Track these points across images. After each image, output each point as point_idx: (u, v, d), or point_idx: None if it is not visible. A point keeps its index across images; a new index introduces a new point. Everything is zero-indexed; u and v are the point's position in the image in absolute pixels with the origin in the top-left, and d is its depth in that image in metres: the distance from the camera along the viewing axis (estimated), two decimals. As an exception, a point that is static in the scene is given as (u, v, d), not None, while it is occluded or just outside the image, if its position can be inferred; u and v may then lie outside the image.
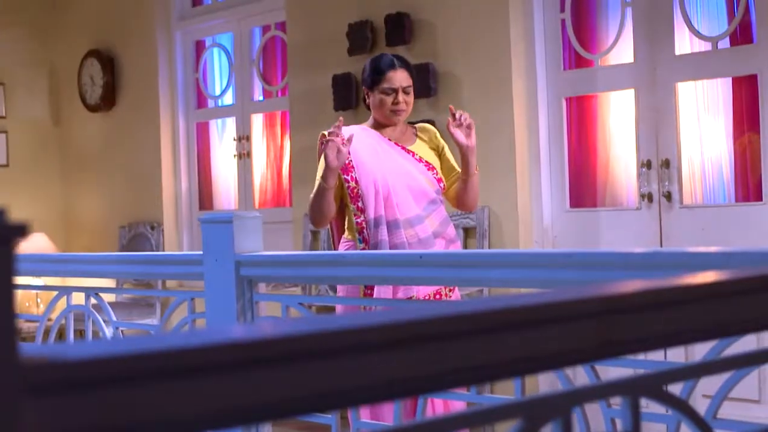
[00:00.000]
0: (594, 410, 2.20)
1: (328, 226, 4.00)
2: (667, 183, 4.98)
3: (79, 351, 0.66)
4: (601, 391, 1.02)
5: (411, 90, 3.80)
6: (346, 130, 3.70)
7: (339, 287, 3.77)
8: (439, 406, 3.50)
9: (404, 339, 0.82)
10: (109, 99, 7.80)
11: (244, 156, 7.17)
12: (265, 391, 0.74)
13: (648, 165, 5.04)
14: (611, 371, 3.18)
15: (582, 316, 0.97)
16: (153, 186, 7.55)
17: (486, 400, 2.83)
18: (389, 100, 3.76)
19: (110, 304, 3.52)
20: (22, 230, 0.63)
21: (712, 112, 4.96)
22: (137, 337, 0.75)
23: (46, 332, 3.84)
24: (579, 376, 4.09)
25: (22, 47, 8.24)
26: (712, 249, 2.12)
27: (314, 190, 3.71)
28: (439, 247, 3.72)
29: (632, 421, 1.00)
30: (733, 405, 3.80)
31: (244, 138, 7.17)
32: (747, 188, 4.86)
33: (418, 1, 5.74)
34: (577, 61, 5.41)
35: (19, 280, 5.18)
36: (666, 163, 4.98)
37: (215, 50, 7.48)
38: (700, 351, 3.29)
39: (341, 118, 3.70)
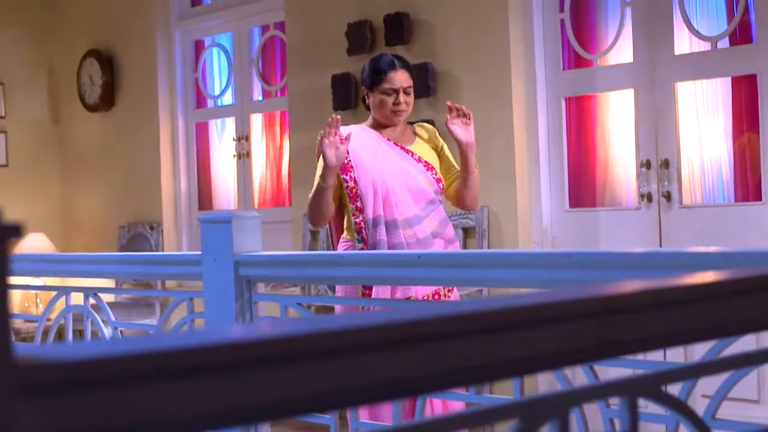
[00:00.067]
0: (593, 410, 2.20)
1: (327, 226, 4.00)
2: (666, 183, 4.98)
3: (74, 351, 0.66)
4: (599, 392, 1.02)
5: (411, 90, 3.80)
6: (345, 130, 3.69)
7: (338, 287, 3.77)
8: (437, 406, 3.49)
9: (403, 339, 0.82)
10: (108, 99, 7.80)
11: (243, 156, 7.17)
12: (263, 391, 0.74)
13: (647, 165, 5.04)
14: (610, 371, 3.18)
15: (581, 316, 0.97)
16: (152, 186, 7.55)
17: (484, 400, 2.83)
18: (390, 100, 3.75)
19: (110, 304, 3.52)
20: (16, 230, 0.63)
21: (712, 112, 4.97)
22: (134, 338, 0.75)
23: (45, 332, 3.84)
24: (578, 376, 4.09)
25: (22, 47, 8.24)
26: (712, 249, 2.12)
27: (313, 189, 3.71)
28: (437, 247, 3.72)
29: (630, 422, 1.00)
30: (733, 405, 3.80)
31: (243, 138, 7.17)
32: (746, 188, 4.86)
33: (417, 1, 5.74)
34: (576, 61, 5.41)
35: (19, 280, 5.18)
36: (665, 163, 4.98)
37: (214, 50, 7.48)
38: (699, 351, 3.29)
39: (338, 116, 3.70)
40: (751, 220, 4.70)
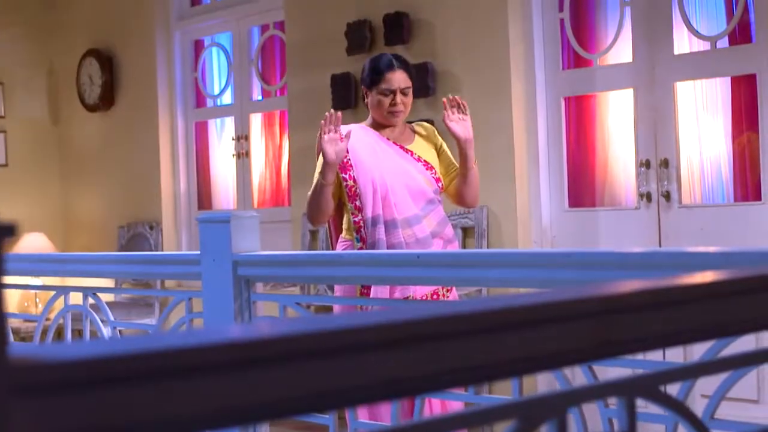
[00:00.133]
0: (592, 410, 2.20)
1: (327, 226, 4.00)
2: (665, 183, 4.97)
3: (70, 351, 0.66)
4: (597, 392, 1.02)
5: (409, 91, 3.80)
6: (345, 128, 3.70)
7: (336, 287, 3.77)
8: (436, 406, 3.49)
9: (401, 339, 0.82)
10: (107, 98, 7.80)
11: (242, 155, 7.17)
12: (262, 391, 0.74)
13: (647, 165, 5.04)
14: (609, 371, 3.18)
15: (580, 316, 0.96)
16: (152, 185, 7.55)
17: (483, 400, 2.83)
18: (387, 101, 3.75)
19: (110, 303, 3.52)
20: (11, 230, 0.63)
21: (711, 112, 4.96)
22: (131, 337, 0.75)
23: (45, 332, 3.83)
24: (578, 376, 4.09)
25: (21, 47, 8.23)
26: (711, 249, 2.12)
27: (312, 187, 3.71)
28: (436, 247, 3.72)
29: (628, 422, 1.00)
30: (732, 405, 3.80)
31: (242, 137, 7.17)
32: (746, 188, 4.86)
33: (416, 1, 5.74)
34: (575, 61, 5.41)
35: (18, 279, 5.18)
36: (665, 163, 4.98)
37: (214, 50, 7.48)
38: (698, 351, 3.29)
39: (339, 113, 3.70)
40: (750, 220, 4.70)
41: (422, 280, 2.97)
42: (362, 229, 3.71)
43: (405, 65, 3.82)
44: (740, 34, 4.84)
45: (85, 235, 8.12)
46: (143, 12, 7.59)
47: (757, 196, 4.74)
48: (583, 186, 5.41)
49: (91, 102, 7.91)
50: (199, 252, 3.03)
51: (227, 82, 7.35)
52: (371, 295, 3.60)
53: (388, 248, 3.64)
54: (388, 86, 3.74)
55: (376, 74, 3.75)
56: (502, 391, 4.52)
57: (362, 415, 3.18)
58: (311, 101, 6.24)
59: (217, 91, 7.45)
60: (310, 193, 3.73)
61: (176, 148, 7.53)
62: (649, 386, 1.03)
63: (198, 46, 7.57)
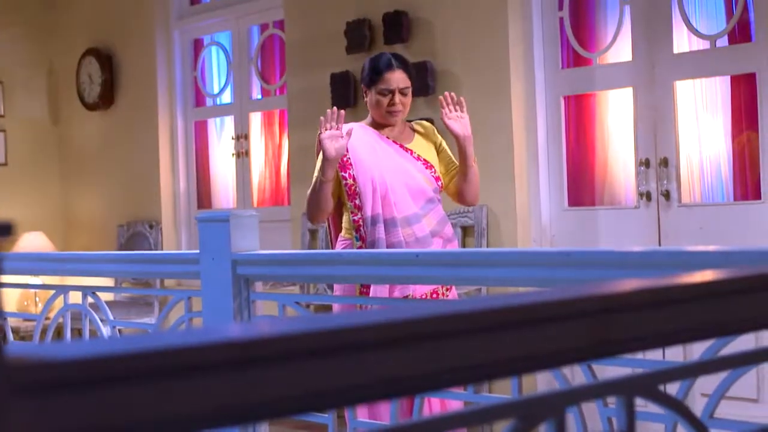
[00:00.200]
0: (591, 409, 2.20)
1: (326, 225, 4.00)
2: (665, 182, 4.97)
3: (69, 350, 0.66)
4: (595, 391, 1.02)
5: (409, 91, 3.79)
6: (345, 127, 3.69)
7: (336, 286, 3.77)
8: (436, 405, 3.49)
9: (401, 338, 0.82)
10: (107, 98, 7.80)
11: (242, 155, 7.17)
12: (261, 390, 0.74)
13: (646, 164, 5.04)
14: (609, 370, 3.18)
15: (580, 315, 0.96)
16: (151, 185, 7.55)
17: (482, 399, 2.83)
18: (385, 101, 3.75)
19: (109, 302, 3.52)
20: (7, 229, 0.63)
21: (711, 111, 4.96)
22: (129, 337, 0.75)
23: (44, 331, 3.83)
24: (577, 375, 4.09)
25: (21, 46, 8.23)
26: (711, 248, 2.12)
27: (312, 184, 3.70)
28: (436, 246, 3.72)
29: (627, 421, 1.00)
30: (731, 404, 3.80)
31: (242, 136, 7.17)
32: (745, 187, 4.86)
33: (416, 0, 5.74)
34: (575, 60, 5.41)
35: (18, 278, 5.17)
36: (664, 162, 4.97)
37: (213, 49, 7.48)
38: (698, 350, 3.29)
39: (342, 111, 3.69)
40: (750, 219, 4.70)
41: (422, 279, 2.96)
42: (362, 228, 3.71)
43: (404, 65, 3.81)
44: (740, 33, 4.84)
45: (84, 234, 8.12)
46: (143, 11, 7.58)
47: (757, 195, 4.74)
48: (582, 185, 5.41)
49: (90, 101, 7.91)
50: (198, 251, 3.03)
51: (227, 81, 7.35)
52: (371, 294, 3.60)
53: (387, 247, 3.64)
54: (387, 86, 3.74)
55: (375, 74, 3.75)
56: (502, 391, 4.52)
57: (361, 414, 3.18)
58: (311, 100, 6.24)
59: (216, 90, 7.45)
60: (309, 190, 3.72)
61: (176, 147, 7.53)
62: (648, 385, 1.03)
63: (197, 45, 7.57)
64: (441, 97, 3.80)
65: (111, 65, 7.80)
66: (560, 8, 5.38)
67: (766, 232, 4.62)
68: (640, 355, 2.98)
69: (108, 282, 6.69)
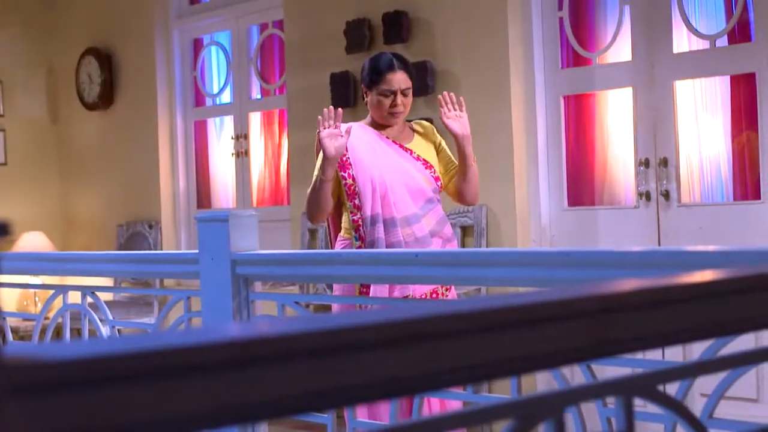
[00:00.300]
0: (591, 409, 2.20)
1: (326, 225, 4.00)
2: (665, 181, 4.97)
3: (69, 350, 0.66)
4: (594, 391, 1.02)
5: (409, 92, 3.79)
6: (344, 126, 3.69)
7: (335, 286, 3.77)
8: (435, 405, 3.49)
9: (400, 338, 0.82)
10: (106, 97, 7.80)
11: (242, 154, 7.17)
12: (260, 390, 0.74)
13: (646, 163, 5.04)
14: (608, 370, 3.18)
15: (579, 315, 0.96)
16: (151, 184, 7.55)
17: (481, 399, 2.83)
18: (387, 102, 3.75)
19: (109, 302, 3.52)
20: (6, 229, 0.63)
21: (711, 111, 4.96)
22: (128, 337, 0.75)
23: (43, 331, 3.83)
24: (577, 375, 4.09)
25: (20, 46, 8.23)
26: (710, 248, 2.12)
27: (312, 184, 3.70)
28: (435, 246, 3.72)
29: (626, 421, 1.00)
30: (731, 404, 3.80)
31: (242, 136, 7.17)
32: (745, 187, 4.86)
33: None
34: (575, 60, 5.41)
35: (17, 278, 5.16)
36: (664, 162, 4.97)
37: (213, 48, 7.48)
38: (698, 350, 3.29)
39: (340, 109, 3.69)
40: (749, 219, 4.70)
41: (421, 279, 2.96)
42: (361, 228, 3.71)
43: (405, 65, 3.81)
44: (739, 32, 4.84)
45: (84, 234, 8.12)
46: (142, 11, 7.58)
47: (757, 195, 4.74)
48: (582, 185, 5.41)
49: (90, 101, 7.90)
50: (197, 251, 3.03)
51: (226, 81, 7.35)
52: (370, 294, 3.60)
53: (387, 247, 3.64)
54: (389, 87, 3.73)
55: (376, 74, 3.75)
56: (502, 391, 4.52)
57: (361, 414, 3.18)
58: (310, 100, 6.23)
59: (216, 90, 7.45)
60: (309, 190, 3.72)
61: (175, 147, 7.53)
62: (647, 385, 1.03)
63: (197, 45, 7.56)
64: (440, 97, 3.80)
65: (110, 65, 7.80)
66: (560, 8, 5.38)
67: (765, 232, 4.62)
68: (639, 355, 2.98)
69: (107, 282, 6.69)
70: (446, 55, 5.61)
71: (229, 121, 7.35)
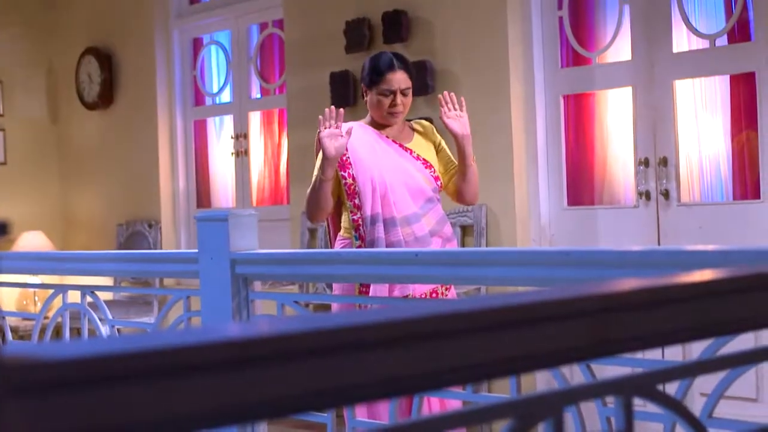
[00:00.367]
0: (590, 408, 2.20)
1: (326, 224, 4.00)
2: (664, 181, 4.97)
3: (68, 350, 0.66)
4: (593, 391, 1.02)
5: (409, 91, 3.79)
6: (344, 126, 3.69)
7: (335, 285, 3.77)
8: (435, 404, 3.49)
9: (400, 337, 0.82)
10: (106, 97, 7.80)
11: (241, 154, 7.17)
12: (260, 389, 0.74)
13: (646, 163, 5.04)
14: (608, 370, 3.18)
15: (579, 315, 0.96)
16: (150, 184, 7.55)
17: (481, 398, 2.82)
18: (387, 102, 3.75)
19: (108, 302, 3.52)
20: (5, 228, 0.63)
21: (710, 110, 4.96)
22: (128, 336, 0.75)
23: (43, 330, 3.83)
24: (577, 375, 4.09)
25: (20, 46, 8.23)
26: (710, 247, 2.12)
27: (311, 183, 3.70)
28: (435, 245, 3.72)
29: (625, 421, 1.00)
30: (731, 404, 3.80)
31: (241, 136, 7.17)
32: (745, 186, 4.86)
33: (415, -1, 5.74)
34: (574, 59, 5.41)
35: (17, 278, 5.16)
36: (664, 161, 4.97)
37: (213, 48, 7.47)
38: (697, 349, 3.29)
39: (341, 109, 3.69)
40: (749, 218, 4.70)
41: (421, 279, 2.96)
42: (361, 228, 3.71)
43: (405, 65, 3.81)
44: (739, 32, 4.84)
45: (83, 234, 8.12)
46: (142, 10, 7.58)
47: (756, 195, 4.74)
48: (581, 184, 5.41)
49: (90, 100, 7.90)
50: (197, 250, 3.03)
51: (226, 81, 7.35)
52: (370, 294, 3.60)
53: (386, 246, 3.64)
54: (389, 87, 3.73)
55: (376, 74, 3.75)
56: (501, 390, 4.52)
57: (361, 413, 3.18)
58: (310, 99, 6.23)
59: (216, 90, 7.45)
60: (309, 189, 3.72)
61: (175, 147, 7.53)
62: (646, 385, 1.03)
63: (197, 45, 7.56)
64: (440, 96, 3.80)
65: (110, 64, 7.79)
66: (560, 7, 5.38)
67: (765, 232, 4.62)
68: (639, 355, 2.98)
69: (107, 281, 6.69)
70: (446, 54, 5.61)
71: (228, 120, 7.35)
